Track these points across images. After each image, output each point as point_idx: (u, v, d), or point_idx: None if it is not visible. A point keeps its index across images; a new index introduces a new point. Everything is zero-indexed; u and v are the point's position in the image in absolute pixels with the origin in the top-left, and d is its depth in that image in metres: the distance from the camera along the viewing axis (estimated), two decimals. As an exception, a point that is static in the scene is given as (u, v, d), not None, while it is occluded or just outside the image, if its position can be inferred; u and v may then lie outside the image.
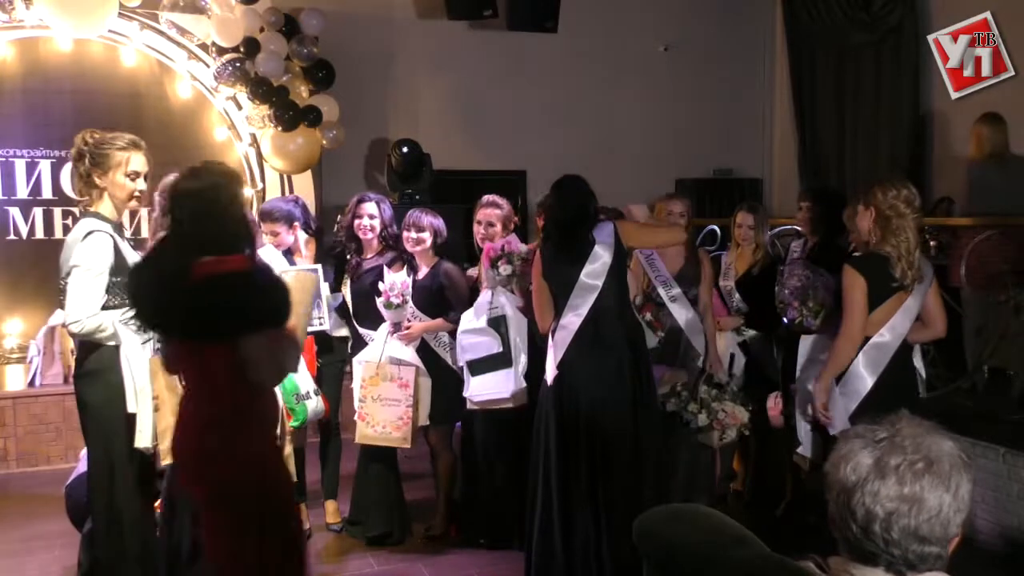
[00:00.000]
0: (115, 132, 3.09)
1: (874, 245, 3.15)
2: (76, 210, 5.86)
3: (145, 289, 2.39)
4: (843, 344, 3.15)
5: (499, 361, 3.88)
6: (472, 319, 3.89)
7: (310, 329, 3.92)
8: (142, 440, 2.95)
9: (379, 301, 3.90)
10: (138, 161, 3.02)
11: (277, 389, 3.52)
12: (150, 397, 2.95)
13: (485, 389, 3.88)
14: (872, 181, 3.27)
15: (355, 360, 4.07)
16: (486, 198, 4.17)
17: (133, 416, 2.95)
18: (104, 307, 2.91)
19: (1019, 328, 4.83)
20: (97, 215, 3.01)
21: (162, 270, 2.37)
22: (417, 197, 6.26)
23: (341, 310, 4.21)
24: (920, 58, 6.97)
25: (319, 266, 4.00)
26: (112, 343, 2.93)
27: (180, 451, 2.49)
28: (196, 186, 2.40)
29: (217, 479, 2.38)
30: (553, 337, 3.44)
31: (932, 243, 5.50)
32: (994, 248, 4.92)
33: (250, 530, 2.38)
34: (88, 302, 2.87)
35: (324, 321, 3.98)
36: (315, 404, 3.77)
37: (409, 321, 3.97)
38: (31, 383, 5.54)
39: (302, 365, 3.76)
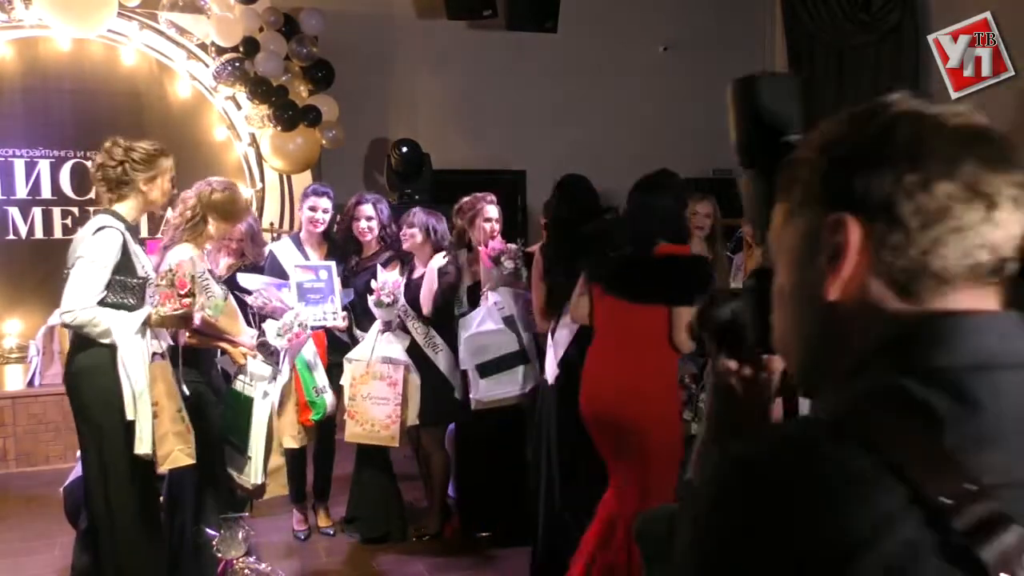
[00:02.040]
0: (144, 140, 3.13)
1: None
2: (74, 210, 5.93)
3: (610, 263, 3.12)
4: None
5: (516, 359, 3.89)
6: (487, 322, 3.86)
7: (321, 324, 3.94)
8: (141, 447, 2.92)
9: (370, 299, 3.91)
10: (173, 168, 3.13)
11: (296, 383, 3.55)
12: (149, 403, 2.93)
13: (500, 388, 3.87)
14: None
15: (345, 358, 4.06)
16: (487, 197, 4.16)
17: (131, 422, 2.92)
18: (102, 303, 2.90)
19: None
20: (113, 213, 3.01)
21: (628, 250, 3.10)
22: (417, 197, 6.25)
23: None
24: (920, 58, 6.97)
25: (333, 263, 4.01)
26: (104, 340, 2.90)
27: (606, 399, 3.02)
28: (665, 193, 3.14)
29: (655, 416, 2.95)
30: (553, 336, 3.44)
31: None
32: None
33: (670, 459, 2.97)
34: (85, 293, 2.86)
35: (336, 317, 3.98)
36: (331, 398, 3.81)
37: (400, 319, 3.97)
38: (30, 383, 5.54)
39: (318, 360, 3.79)
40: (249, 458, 3.46)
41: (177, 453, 2.98)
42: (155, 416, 2.94)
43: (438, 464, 4.17)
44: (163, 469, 2.99)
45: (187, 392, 3.15)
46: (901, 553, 0.59)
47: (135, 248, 3.04)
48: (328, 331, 4.06)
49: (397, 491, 4.19)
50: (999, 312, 0.70)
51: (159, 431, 2.95)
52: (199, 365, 3.40)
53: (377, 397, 3.92)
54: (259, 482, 3.47)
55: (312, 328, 3.82)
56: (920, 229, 0.68)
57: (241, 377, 3.52)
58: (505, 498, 4.00)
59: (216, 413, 3.46)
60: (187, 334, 3.25)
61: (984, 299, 0.70)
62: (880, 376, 0.68)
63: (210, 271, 3.41)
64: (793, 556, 0.62)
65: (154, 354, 3.02)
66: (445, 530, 4.18)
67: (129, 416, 2.91)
